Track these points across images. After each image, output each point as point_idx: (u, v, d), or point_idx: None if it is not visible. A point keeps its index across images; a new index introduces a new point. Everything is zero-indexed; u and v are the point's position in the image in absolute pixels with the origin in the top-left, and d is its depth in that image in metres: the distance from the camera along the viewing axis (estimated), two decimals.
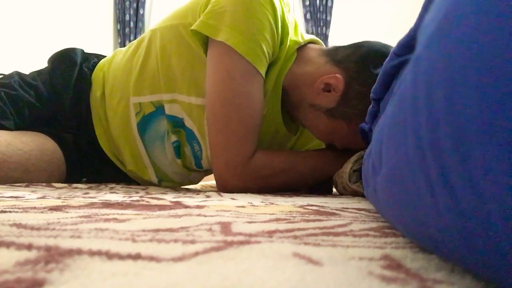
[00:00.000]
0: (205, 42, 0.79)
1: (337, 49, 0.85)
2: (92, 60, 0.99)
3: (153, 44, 0.88)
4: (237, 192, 0.75)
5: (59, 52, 0.98)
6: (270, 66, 0.82)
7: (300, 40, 0.86)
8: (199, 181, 1.11)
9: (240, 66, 0.75)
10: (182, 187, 1.02)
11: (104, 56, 1.03)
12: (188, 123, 0.88)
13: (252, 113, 0.76)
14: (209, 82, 0.78)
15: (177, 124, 0.89)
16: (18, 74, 0.94)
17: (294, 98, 0.85)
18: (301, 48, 0.86)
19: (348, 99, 0.79)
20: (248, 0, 0.75)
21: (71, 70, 0.94)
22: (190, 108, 0.86)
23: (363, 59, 0.79)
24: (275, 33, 0.78)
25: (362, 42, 0.84)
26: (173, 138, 0.92)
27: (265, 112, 0.84)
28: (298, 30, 0.87)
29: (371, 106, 0.44)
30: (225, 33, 0.75)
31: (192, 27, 0.78)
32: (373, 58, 0.78)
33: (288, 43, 0.82)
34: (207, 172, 1.01)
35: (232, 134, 0.76)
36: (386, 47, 0.81)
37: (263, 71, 0.77)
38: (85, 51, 1.03)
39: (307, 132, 0.99)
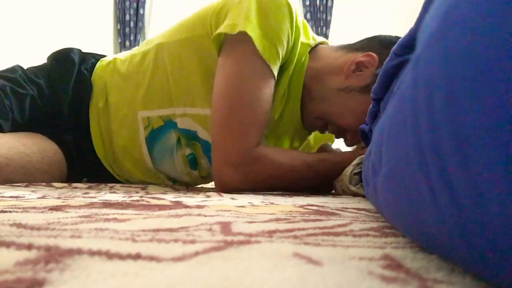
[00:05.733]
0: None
1: (350, 43, 0.89)
2: (89, 61, 0.98)
3: (160, 59, 0.88)
4: (235, 189, 0.75)
5: (58, 51, 0.97)
6: (281, 70, 0.82)
7: (312, 42, 0.88)
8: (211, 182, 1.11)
9: (253, 63, 0.74)
10: (181, 185, 1.02)
11: (101, 56, 1.02)
12: (203, 135, 0.88)
13: (257, 108, 0.75)
14: (218, 74, 0.77)
15: (191, 137, 0.89)
16: (21, 68, 0.93)
17: (319, 91, 0.86)
18: (313, 48, 0.88)
19: None
20: (267, 2, 0.75)
21: (70, 71, 0.94)
22: (206, 119, 0.85)
23: (383, 42, 0.84)
24: (290, 37, 0.78)
25: (373, 36, 0.89)
26: (188, 151, 0.91)
27: (284, 114, 0.87)
28: (309, 32, 0.89)
29: (371, 106, 0.44)
30: (245, 23, 0.73)
31: (218, 31, 0.77)
32: (390, 41, 0.83)
33: (299, 45, 0.83)
34: None
35: (234, 124, 0.74)
36: (396, 37, 0.85)
37: (275, 73, 0.77)
38: (84, 50, 1.02)
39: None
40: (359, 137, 0.86)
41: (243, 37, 0.73)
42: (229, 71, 0.76)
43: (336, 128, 0.88)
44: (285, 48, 0.78)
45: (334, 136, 1.07)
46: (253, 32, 0.73)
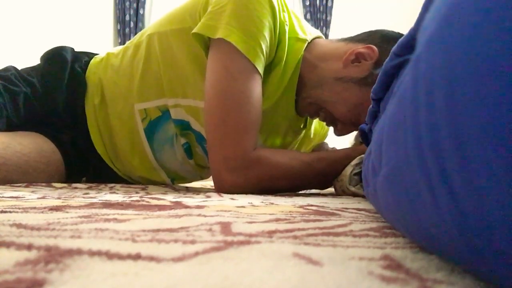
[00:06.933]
0: (207, 45, 0.79)
1: (350, 36, 0.89)
2: (83, 59, 0.98)
3: (152, 49, 0.88)
4: (236, 192, 0.74)
5: (50, 50, 0.97)
6: (270, 68, 0.82)
7: (308, 36, 0.87)
8: (210, 176, 1.11)
9: (239, 63, 0.74)
10: (181, 186, 1.02)
11: (94, 54, 1.02)
12: (195, 126, 0.88)
13: (250, 109, 0.75)
14: (208, 78, 0.77)
15: (184, 127, 0.89)
16: (14, 67, 0.92)
17: (315, 78, 0.85)
18: (310, 42, 0.87)
19: (382, 63, 0.81)
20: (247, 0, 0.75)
21: (63, 69, 0.93)
22: (197, 111, 0.86)
23: (385, 37, 0.84)
24: (273, 32, 0.78)
25: (375, 29, 0.89)
26: (183, 140, 0.91)
27: (277, 110, 0.86)
28: (304, 27, 0.88)
29: (371, 106, 0.44)
30: (225, 30, 0.74)
31: (193, 31, 0.77)
32: (392, 36, 0.83)
33: (287, 41, 0.82)
34: None
35: (230, 129, 0.74)
36: (399, 33, 0.85)
37: (261, 70, 0.77)
38: (82, 50, 1.02)
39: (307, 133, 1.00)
40: (349, 128, 0.87)
41: (225, 42, 0.74)
42: (218, 75, 0.76)
43: (328, 116, 0.88)
44: (268, 42, 0.77)
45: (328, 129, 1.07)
46: (234, 35, 0.73)
